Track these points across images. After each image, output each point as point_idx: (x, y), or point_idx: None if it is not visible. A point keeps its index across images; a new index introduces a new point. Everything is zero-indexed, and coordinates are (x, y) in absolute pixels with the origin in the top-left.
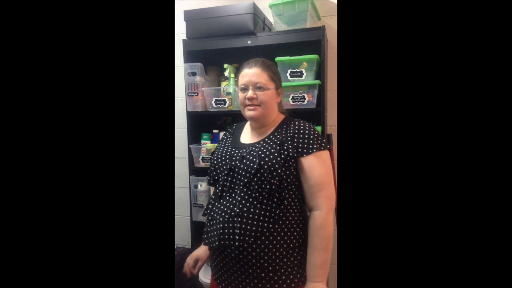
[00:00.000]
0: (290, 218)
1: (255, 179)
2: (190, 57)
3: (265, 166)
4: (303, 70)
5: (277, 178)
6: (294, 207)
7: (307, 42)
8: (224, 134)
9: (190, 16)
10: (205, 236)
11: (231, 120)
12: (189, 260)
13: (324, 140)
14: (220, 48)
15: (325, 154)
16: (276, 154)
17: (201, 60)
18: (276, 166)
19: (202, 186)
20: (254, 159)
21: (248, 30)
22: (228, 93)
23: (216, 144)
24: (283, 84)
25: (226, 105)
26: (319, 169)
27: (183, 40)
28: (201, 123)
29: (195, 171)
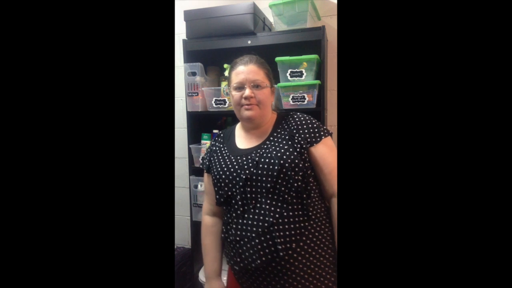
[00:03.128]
0: (318, 210)
1: (279, 181)
2: (190, 57)
3: (286, 165)
4: (303, 70)
5: (300, 174)
6: (317, 197)
7: (307, 42)
8: (213, 145)
9: (190, 16)
10: (238, 259)
11: (231, 120)
12: None
13: (325, 127)
14: (220, 48)
15: (330, 140)
16: (291, 150)
17: (201, 60)
18: (296, 161)
19: (202, 186)
20: (272, 160)
21: (248, 30)
22: (228, 93)
23: None
24: (283, 84)
25: (226, 105)
26: (331, 155)
27: (183, 40)
28: (201, 123)
29: (195, 171)
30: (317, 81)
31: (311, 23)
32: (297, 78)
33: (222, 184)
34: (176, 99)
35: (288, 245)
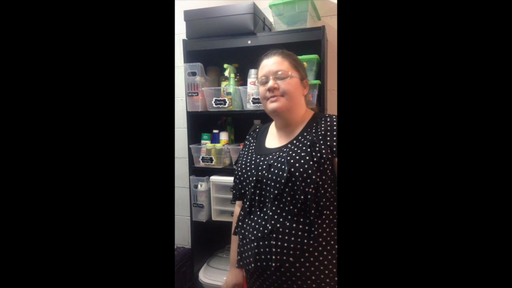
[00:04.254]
0: (329, 231)
1: (287, 189)
2: (190, 57)
3: (297, 174)
4: None
5: (312, 186)
6: (333, 218)
7: (307, 42)
8: (247, 139)
9: (190, 16)
10: (239, 257)
11: (231, 120)
12: None
13: None
14: (220, 48)
15: None
16: (307, 158)
17: (201, 60)
18: (310, 172)
19: (202, 186)
20: (283, 167)
21: (248, 30)
22: (228, 93)
23: (216, 144)
24: None
25: (226, 105)
26: None
27: (183, 40)
28: (201, 123)
29: (195, 171)
30: (317, 81)
31: (311, 23)
32: None
33: (237, 181)
34: (176, 99)
35: (284, 258)
